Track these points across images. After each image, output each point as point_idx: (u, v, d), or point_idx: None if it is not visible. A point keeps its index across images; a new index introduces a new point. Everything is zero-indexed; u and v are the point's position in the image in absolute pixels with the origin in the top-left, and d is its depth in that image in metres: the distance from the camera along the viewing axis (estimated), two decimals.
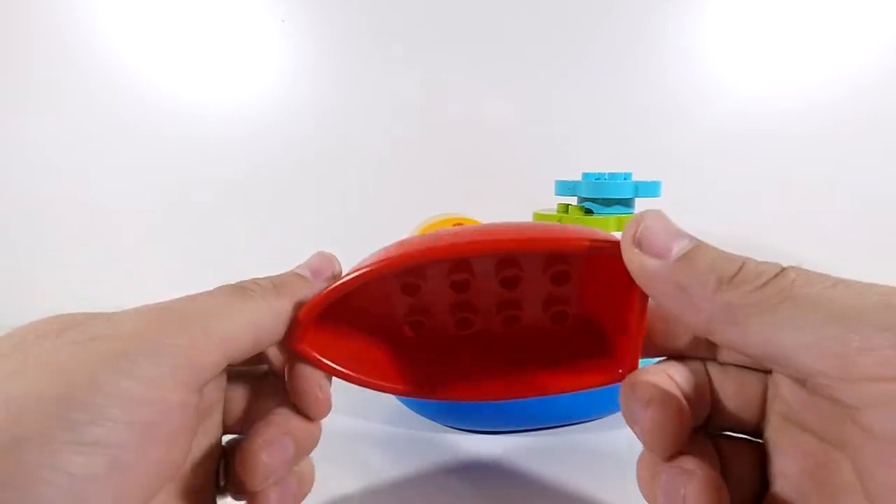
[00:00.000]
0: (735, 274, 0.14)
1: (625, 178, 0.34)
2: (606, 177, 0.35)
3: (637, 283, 0.16)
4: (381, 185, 0.54)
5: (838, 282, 0.13)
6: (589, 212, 0.35)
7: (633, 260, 0.15)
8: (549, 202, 0.40)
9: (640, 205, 0.36)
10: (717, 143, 0.51)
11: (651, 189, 0.34)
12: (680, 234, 0.15)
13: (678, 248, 0.15)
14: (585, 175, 0.36)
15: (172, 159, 0.54)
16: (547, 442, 0.32)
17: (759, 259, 0.14)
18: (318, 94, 0.53)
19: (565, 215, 0.36)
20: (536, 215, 0.37)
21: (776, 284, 0.13)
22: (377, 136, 0.53)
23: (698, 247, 0.15)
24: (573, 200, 0.37)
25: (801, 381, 0.13)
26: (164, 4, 0.52)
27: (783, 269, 0.13)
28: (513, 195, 0.51)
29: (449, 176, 0.54)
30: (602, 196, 0.34)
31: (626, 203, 0.35)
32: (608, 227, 0.34)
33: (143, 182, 0.54)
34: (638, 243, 0.15)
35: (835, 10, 0.49)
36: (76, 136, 0.54)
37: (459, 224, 0.33)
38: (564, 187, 0.37)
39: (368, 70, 0.52)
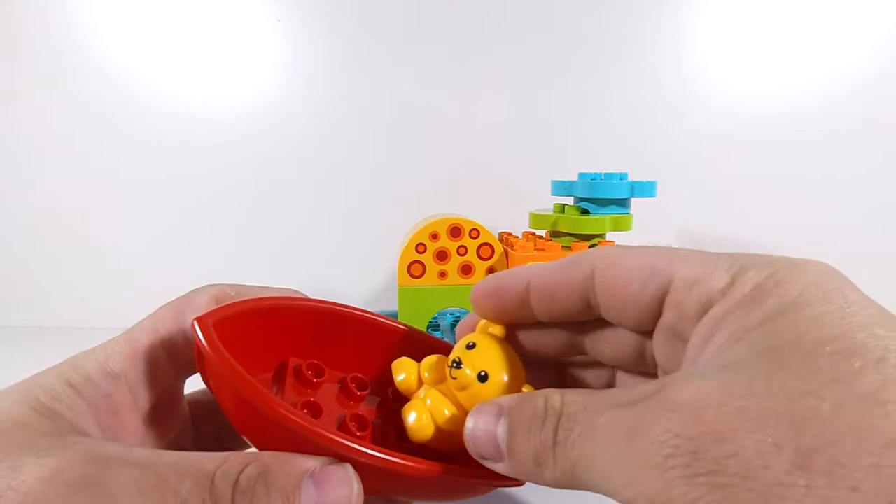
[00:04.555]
0: (542, 428, 0.13)
1: (621, 179, 0.34)
2: (602, 177, 0.35)
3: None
4: (378, 186, 0.54)
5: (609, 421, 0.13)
6: (585, 212, 0.35)
7: (493, 468, 0.15)
8: (545, 202, 0.40)
9: (636, 205, 0.36)
10: (713, 144, 0.52)
11: (647, 189, 0.34)
12: (489, 421, 0.15)
13: (501, 440, 0.14)
14: (581, 175, 0.36)
15: (167, 160, 0.54)
16: None
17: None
18: (314, 94, 0.53)
19: (561, 215, 0.36)
20: (533, 215, 0.37)
21: (562, 442, 0.13)
22: (373, 137, 0.53)
23: (511, 424, 0.14)
24: (569, 200, 0.37)
25: None
26: (159, 4, 0.51)
27: (558, 420, 0.13)
28: (509, 195, 0.51)
29: (446, 176, 0.54)
30: (598, 196, 0.34)
31: (622, 203, 0.35)
32: (604, 226, 0.34)
33: (137, 183, 0.54)
34: (480, 457, 0.15)
35: (827, 12, 0.49)
36: (69, 136, 0.53)
37: (456, 225, 0.33)
38: (560, 187, 0.37)
39: (364, 70, 0.52)
